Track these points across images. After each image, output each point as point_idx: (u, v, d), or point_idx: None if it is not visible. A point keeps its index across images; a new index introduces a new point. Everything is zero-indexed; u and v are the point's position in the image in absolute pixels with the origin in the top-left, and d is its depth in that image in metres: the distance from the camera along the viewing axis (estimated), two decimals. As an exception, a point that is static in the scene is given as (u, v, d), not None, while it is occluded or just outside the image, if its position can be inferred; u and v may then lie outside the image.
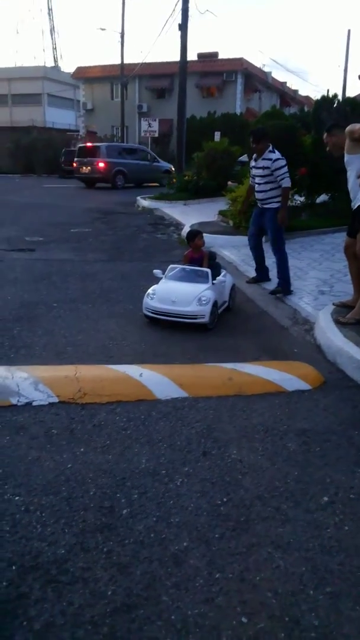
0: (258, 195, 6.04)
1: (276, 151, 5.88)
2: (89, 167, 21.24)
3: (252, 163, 6.09)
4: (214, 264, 5.28)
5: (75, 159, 22.09)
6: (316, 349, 4.31)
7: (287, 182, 5.82)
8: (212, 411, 3.21)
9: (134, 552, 2.07)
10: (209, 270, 4.97)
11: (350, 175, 4.50)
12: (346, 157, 4.52)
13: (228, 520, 2.26)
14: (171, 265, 5.19)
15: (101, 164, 20.95)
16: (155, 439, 2.88)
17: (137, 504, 2.35)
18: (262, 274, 6.45)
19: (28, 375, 3.47)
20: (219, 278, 5.01)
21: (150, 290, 4.82)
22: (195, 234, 5.31)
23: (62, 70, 51.92)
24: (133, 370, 3.60)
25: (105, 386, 3.40)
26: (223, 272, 5.28)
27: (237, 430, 3.00)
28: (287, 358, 4.11)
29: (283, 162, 5.81)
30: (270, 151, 5.86)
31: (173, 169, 20.09)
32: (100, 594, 1.87)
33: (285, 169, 5.83)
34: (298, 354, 4.21)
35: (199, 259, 5.23)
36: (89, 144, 23.00)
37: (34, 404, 3.22)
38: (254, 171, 6.05)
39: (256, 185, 6.04)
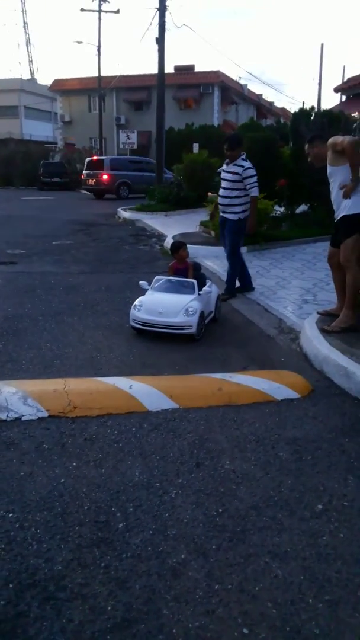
0: (221, 200, 6.18)
1: (248, 160, 6.03)
2: (94, 179, 22.65)
3: (224, 167, 6.19)
4: (199, 275, 5.30)
5: (84, 172, 23.54)
6: (303, 357, 4.36)
7: (255, 192, 6.03)
8: (203, 422, 3.22)
9: (132, 566, 2.06)
10: (194, 281, 4.99)
11: (334, 187, 4.58)
12: (329, 169, 4.60)
13: (224, 531, 2.27)
14: (157, 277, 5.19)
15: (105, 176, 22.30)
16: (148, 451, 2.87)
17: (132, 517, 2.33)
18: (244, 283, 6.49)
19: (16, 389, 3.44)
20: (205, 288, 5.04)
21: (136, 302, 4.81)
22: (179, 246, 5.34)
23: (38, 82, 51.92)
24: (122, 383, 3.60)
25: (95, 399, 3.39)
26: (208, 283, 5.29)
27: (229, 441, 3.01)
28: (275, 367, 4.14)
29: (254, 171, 6.00)
30: (242, 159, 6.02)
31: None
32: (100, 609, 1.86)
33: (255, 178, 6.00)
34: (285, 362, 4.25)
35: (184, 269, 5.24)
36: (95, 158, 24.54)
37: (24, 418, 3.19)
38: (223, 175, 6.16)
39: (221, 190, 6.16)
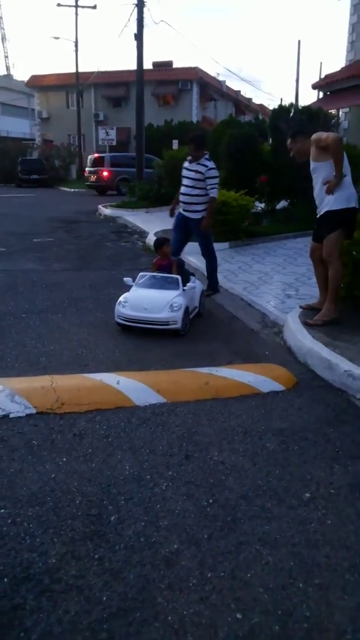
0: (182, 198, 6.15)
1: (212, 161, 6.05)
2: (95, 176, 23.32)
3: (186, 164, 6.15)
4: (183, 271, 5.33)
5: (87, 169, 24.44)
6: (286, 350, 4.42)
7: (215, 193, 6.08)
8: (191, 415, 3.26)
9: (126, 557, 2.08)
10: (178, 277, 5.02)
11: (317, 182, 4.65)
12: (312, 165, 4.66)
13: (215, 520, 2.31)
14: (141, 273, 5.21)
15: (105, 173, 22.88)
16: (137, 445, 2.90)
17: (124, 510, 2.36)
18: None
19: (3, 387, 3.43)
20: (189, 284, 5.08)
21: (121, 298, 4.82)
22: (162, 242, 5.36)
23: (15, 78, 51.31)
24: (110, 378, 3.61)
25: (82, 395, 3.40)
26: (192, 279, 5.32)
27: (217, 433, 3.05)
28: (259, 361, 4.20)
29: (216, 172, 6.06)
30: (206, 158, 6.02)
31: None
32: (96, 600, 1.88)
33: (217, 180, 6.07)
34: (269, 356, 4.31)
35: (167, 266, 5.27)
36: (97, 155, 24.73)
37: (11, 415, 3.18)
38: (185, 172, 6.13)
39: (183, 187, 6.14)
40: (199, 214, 6.08)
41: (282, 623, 1.81)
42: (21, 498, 2.43)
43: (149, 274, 5.19)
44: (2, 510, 2.34)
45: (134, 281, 5.08)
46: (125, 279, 5.13)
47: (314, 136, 4.54)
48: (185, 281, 5.07)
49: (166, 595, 1.91)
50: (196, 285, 5.28)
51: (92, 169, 23.73)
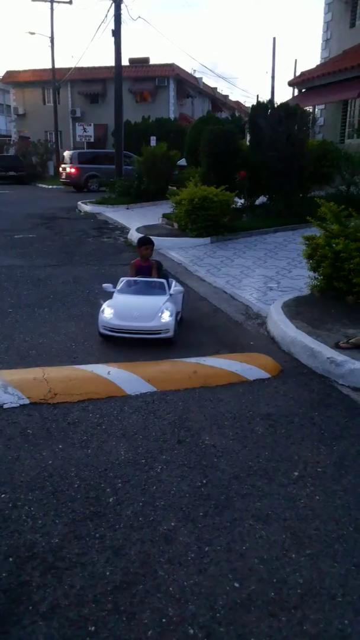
0: None
1: None
2: (65, 173, 23.48)
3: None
4: (162, 274, 5.01)
5: (62, 166, 24.48)
6: (270, 340, 4.55)
7: None
8: (181, 402, 3.35)
9: (126, 535, 2.17)
10: (164, 281, 4.69)
11: None
12: None
13: (209, 499, 2.41)
14: (122, 278, 4.81)
15: (72, 170, 22.92)
16: (131, 432, 2.98)
17: (122, 492, 2.45)
18: None
19: (-5, 379, 3.48)
20: (176, 288, 4.71)
21: (105, 306, 4.36)
22: (143, 243, 4.95)
23: (-11, 74, 50.52)
24: (100, 369, 3.69)
25: (74, 385, 3.47)
26: (173, 282, 4.91)
27: (207, 419, 3.15)
28: (245, 350, 4.31)
29: None
30: None
31: None
32: (99, 575, 1.97)
33: None
34: (254, 346, 4.42)
35: (147, 268, 4.92)
36: (67, 152, 25.05)
37: (5, 406, 3.24)
38: None
39: None
40: None
41: (277, 590, 1.92)
42: (20, 484, 2.49)
43: (131, 278, 4.78)
44: (3, 495, 2.40)
45: (114, 287, 4.65)
46: (104, 285, 4.69)
47: None
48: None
49: (166, 569, 2.00)
50: (178, 288, 4.86)
51: (65, 165, 24.02)
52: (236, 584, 1.94)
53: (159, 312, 4.29)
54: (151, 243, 4.98)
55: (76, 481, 2.52)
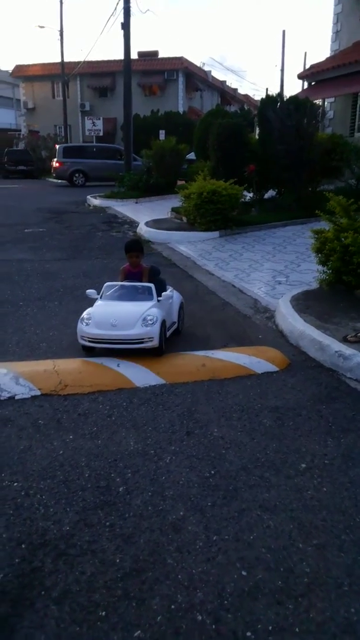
0: None
1: None
2: (53, 167, 23.85)
3: None
4: (158, 280, 4.50)
5: (54, 160, 24.23)
6: (279, 334, 4.56)
7: None
8: (190, 395, 3.39)
9: (135, 524, 2.21)
10: (151, 285, 4.24)
11: None
12: None
13: (218, 490, 2.45)
14: (107, 283, 4.37)
15: (57, 164, 23.17)
16: (140, 423, 3.02)
17: (131, 481, 2.49)
18: None
19: (7, 370, 3.53)
20: (166, 293, 4.27)
21: (84, 315, 4.00)
22: (130, 248, 4.51)
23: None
24: (110, 362, 3.73)
25: (84, 377, 3.51)
26: (169, 289, 4.49)
27: (216, 411, 3.19)
28: (253, 344, 4.33)
29: None
30: None
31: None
32: (109, 562, 2.01)
33: None
34: (263, 339, 4.44)
35: (137, 274, 4.44)
36: (57, 146, 25.07)
37: (17, 397, 3.29)
38: None
39: None
40: None
41: (284, 578, 1.95)
42: (32, 473, 2.54)
43: (116, 283, 4.37)
44: (16, 484, 2.45)
45: (98, 293, 4.27)
46: (88, 291, 4.30)
47: None
48: (160, 290, 4.30)
49: (175, 557, 2.04)
50: (173, 295, 4.46)
51: (55, 159, 24.11)
52: (244, 572, 1.97)
53: (139, 318, 3.87)
54: (139, 250, 4.50)
55: (86, 471, 2.56)
